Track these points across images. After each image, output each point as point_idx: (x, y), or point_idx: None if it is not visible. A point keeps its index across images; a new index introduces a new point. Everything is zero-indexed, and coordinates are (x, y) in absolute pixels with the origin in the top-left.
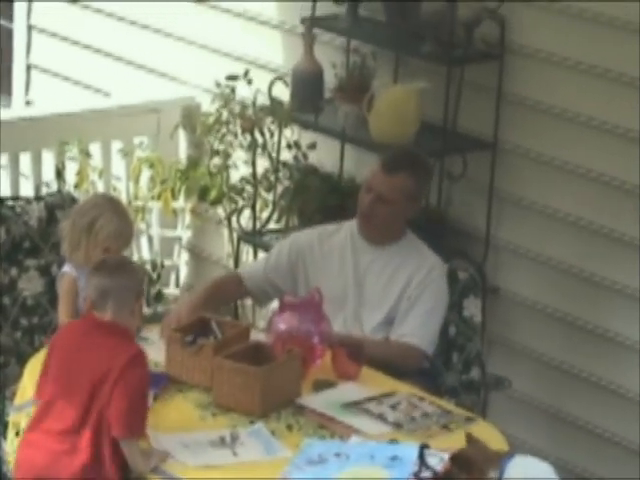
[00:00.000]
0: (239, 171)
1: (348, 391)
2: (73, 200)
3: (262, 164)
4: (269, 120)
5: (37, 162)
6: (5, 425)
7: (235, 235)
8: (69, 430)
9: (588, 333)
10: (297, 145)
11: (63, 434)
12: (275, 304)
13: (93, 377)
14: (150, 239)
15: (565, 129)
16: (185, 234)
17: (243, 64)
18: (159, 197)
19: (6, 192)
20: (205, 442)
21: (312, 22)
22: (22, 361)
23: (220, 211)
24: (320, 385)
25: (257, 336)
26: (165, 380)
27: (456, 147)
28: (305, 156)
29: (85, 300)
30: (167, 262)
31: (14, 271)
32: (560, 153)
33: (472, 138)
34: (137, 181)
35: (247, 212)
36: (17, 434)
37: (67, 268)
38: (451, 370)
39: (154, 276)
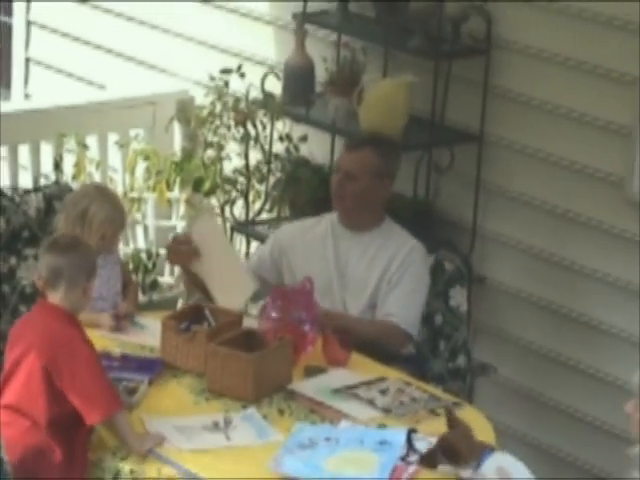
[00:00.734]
0: (232, 163)
1: (338, 377)
2: (71, 191)
3: (255, 156)
4: (261, 113)
5: (36, 154)
6: None
7: (228, 225)
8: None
9: (571, 321)
10: (289, 137)
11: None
12: None
13: (30, 353)
14: (146, 229)
15: (549, 122)
16: (180, 224)
17: (236, 58)
18: (154, 188)
19: (5, 183)
20: (199, 426)
21: (303, 18)
22: None
23: (214, 202)
24: (311, 371)
25: (250, 323)
26: (160, 366)
27: (444, 140)
28: (297, 148)
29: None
30: (162, 251)
31: (13, 260)
32: (544, 145)
33: (459, 131)
34: (133, 173)
35: (240, 203)
36: None
37: None
38: (438, 357)
39: (149, 265)
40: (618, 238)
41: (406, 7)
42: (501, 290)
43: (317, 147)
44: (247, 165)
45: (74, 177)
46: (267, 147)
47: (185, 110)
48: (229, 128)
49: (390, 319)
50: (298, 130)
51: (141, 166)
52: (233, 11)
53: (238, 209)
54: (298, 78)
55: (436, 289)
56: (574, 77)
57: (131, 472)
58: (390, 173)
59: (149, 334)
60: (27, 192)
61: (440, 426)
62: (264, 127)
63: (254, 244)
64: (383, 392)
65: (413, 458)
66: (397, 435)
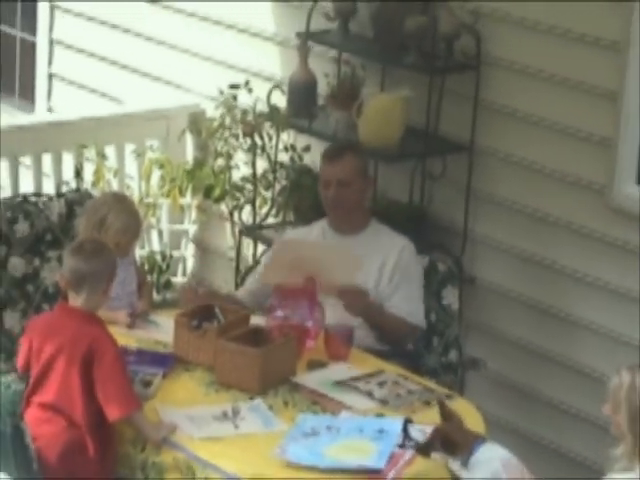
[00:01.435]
0: (240, 171)
1: (339, 371)
2: (90, 197)
3: (261, 165)
4: (268, 125)
5: (58, 163)
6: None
7: (237, 229)
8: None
9: (555, 318)
10: (293, 148)
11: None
12: None
13: (61, 355)
14: (160, 232)
15: (535, 133)
16: (192, 228)
17: (244, 74)
18: (168, 194)
19: (30, 189)
20: (209, 416)
21: (307, 36)
22: None
23: (223, 207)
24: (313, 365)
25: (256, 321)
26: (173, 360)
27: (437, 149)
28: (300, 158)
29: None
30: (175, 253)
31: (37, 261)
32: (531, 155)
33: (451, 141)
34: (148, 180)
35: (248, 208)
36: None
37: None
38: (432, 353)
39: (163, 266)
40: (598, 241)
41: (402, 26)
42: (490, 289)
43: (319, 156)
44: (254, 173)
45: (93, 184)
46: (273, 156)
47: (197, 122)
48: (237, 139)
49: (401, 315)
50: (302, 141)
51: (156, 174)
52: (243, 31)
53: (246, 214)
54: (302, 92)
55: (430, 289)
56: (558, 92)
57: (153, 464)
58: (368, 170)
59: (163, 331)
60: (50, 198)
61: (434, 416)
62: (270, 138)
63: (260, 247)
64: (381, 385)
65: (410, 444)
66: (394, 424)
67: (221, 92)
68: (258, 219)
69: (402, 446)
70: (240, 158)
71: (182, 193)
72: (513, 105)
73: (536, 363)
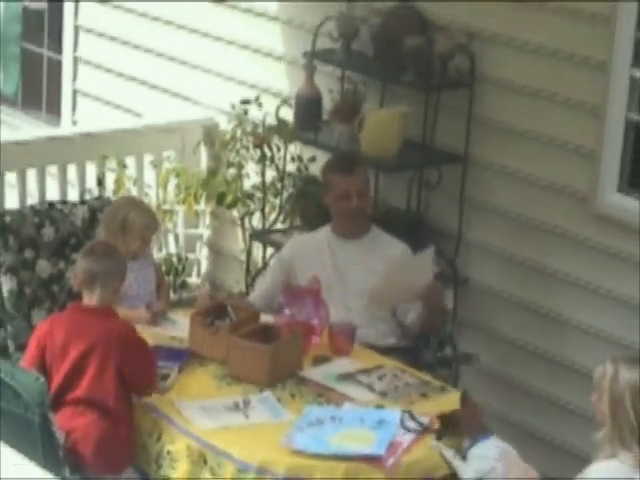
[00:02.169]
0: (251, 180)
1: (342, 365)
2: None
3: (270, 174)
4: (276, 137)
5: (82, 172)
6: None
7: (247, 234)
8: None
9: (544, 316)
10: (300, 158)
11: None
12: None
13: (95, 352)
14: (176, 237)
15: (524, 145)
16: (205, 232)
17: (254, 90)
18: (184, 201)
19: (56, 197)
20: (221, 407)
21: (312, 55)
22: None
23: (235, 213)
24: (319, 360)
25: (266, 319)
26: (188, 355)
27: (433, 160)
28: (306, 168)
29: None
30: (190, 256)
31: (62, 263)
32: (520, 165)
33: (446, 153)
34: (165, 188)
35: (257, 214)
36: None
37: None
38: (428, 348)
39: (179, 268)
40: (582, 245)
41: (401, 47)
42: (482, 290)
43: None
44: (264, 182)
45: (114, 192)
46: (281, 166)
47: (210, 134)
48: (248, 150)
49: None
50: (308, 152)
51: (172, 182)
52: (256, 51)
53: (256, 220)
54: (308, 107)
55: None
56: (546, 107)
57: (168, 453)
58: None
59: (179, 328)
60: (74, 205)
61: (431, 407)
62: (278, 149)
63: (269, 250)
64: (380, 378)
65: (413, 425)
66: (393, 415)
67: (233, 107)
68: (267, 224)
69: (404, 424)
70: (251, 168)
71: (197, 200)
72: (504, 119)
73: (525, 358)
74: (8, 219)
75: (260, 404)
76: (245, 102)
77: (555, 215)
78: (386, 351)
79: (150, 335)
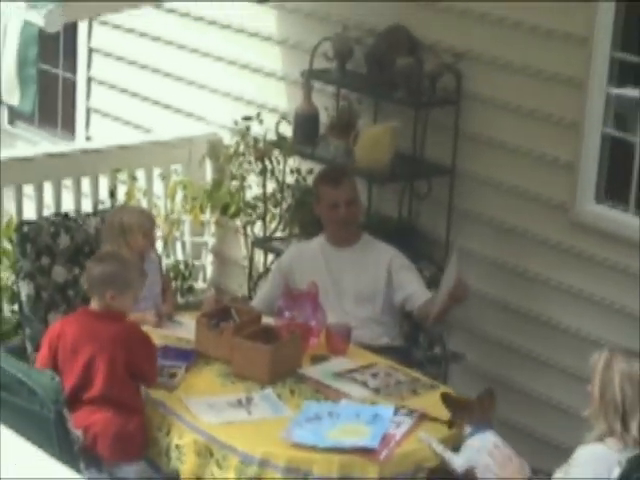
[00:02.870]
0: (252, 191)
1: (338, 363)
2: None
3: (271, 186)
4: (276, 151)
5: (95, 185)
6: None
7: (249, 241)
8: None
9: (528, 318)
10: (298, 171)
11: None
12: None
13: (103, 353)
14: (183, 244)
15: (507, 158)
16: (210, 240)
17: (256, 107)
18: (190, 211)
19: (71, 208)
20: (225, 403)
21: (310, 75)
22: None
23: (238, 222)
24: (316, 359)
25: (267, 321)
26: (194, 355)
27: (423, 172)
28: (304, 179)
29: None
30: (196, 262)
31: (77, 270)
32: (504, 177)
33: (435, 165)
34: (173, 199)
35: (259, 223)
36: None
37: None
38: (419, 348)
39: (186, 273)
40: (562, 251)
41: (392, 66)
42: (470, 292)
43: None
44: (264, 193)
45: (125, 203)
46: (281, 178)
47: (215, 149)
48: (250, 163)
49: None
50: (306, 165)
51: (180, 194)
52: (257, 71)
53: (257, 228)
54: (305, 123)
55: None
56: (528, 122)
57: (176, 447)
58: None
59: (186, 329)
60: (88, 215)
61: (422, 403)
62: (278, 162)
63: (270, 257)
64: (374, 375)
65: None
66: (386, 410)
67: (236, 123)
68: (268, 233)
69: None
70: (252, 180)
71: (202, 210)
72: (489, 134)
73: (509, 357)
74: (26, 229)
75: (262, 401)
76: (247, 118)
77: (536, 223)
78: (380, 350)
79: (159, 336)
